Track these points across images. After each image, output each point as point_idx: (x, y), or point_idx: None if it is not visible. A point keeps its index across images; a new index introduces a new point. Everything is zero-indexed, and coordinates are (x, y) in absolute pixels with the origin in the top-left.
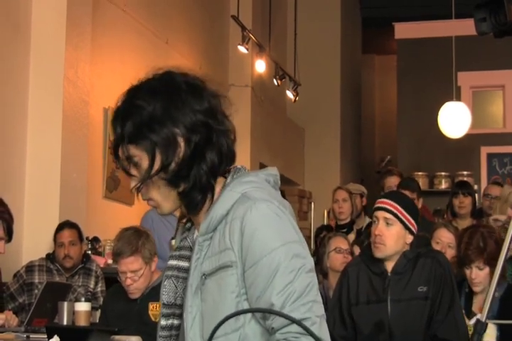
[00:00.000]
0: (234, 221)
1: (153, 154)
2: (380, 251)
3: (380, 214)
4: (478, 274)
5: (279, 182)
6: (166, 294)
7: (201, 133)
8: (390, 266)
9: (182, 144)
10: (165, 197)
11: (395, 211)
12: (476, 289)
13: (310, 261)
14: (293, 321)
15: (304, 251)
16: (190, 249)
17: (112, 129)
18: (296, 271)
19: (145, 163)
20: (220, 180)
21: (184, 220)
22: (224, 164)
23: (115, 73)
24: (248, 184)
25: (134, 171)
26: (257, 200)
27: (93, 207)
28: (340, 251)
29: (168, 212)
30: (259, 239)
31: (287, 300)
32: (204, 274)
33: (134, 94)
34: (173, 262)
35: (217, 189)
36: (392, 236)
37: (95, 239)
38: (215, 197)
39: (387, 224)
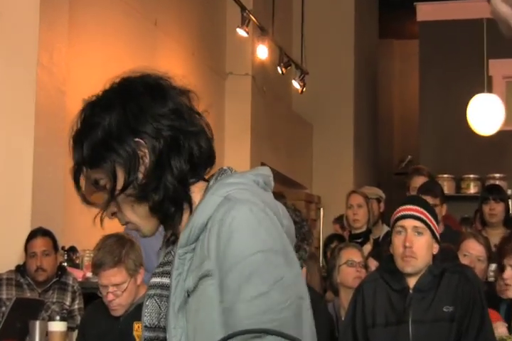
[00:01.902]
0: (213, 226)
1: (114, 174)
2: (411, 266)
3: (409, 222)
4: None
5: (272, 183)
6: (149, 315)
7: (165, 139)
8: (412, 281)
9: (147, 154)
10: (142, 217)
11: (425, 218)
12: (509, 294)
13: (291, 276)
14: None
15: (285, 263)
16: None
17: (72, 155)
18: (271, 283)
19: (109, 184)
20: (202, 185)
21: (169, 233)
22: (200, 167)
23: (96, 59)
24: (232, 186)
25: (104, 196)
26: (238, 201)
27: (70, 212)
28: (352, 265)
29: (150, 233)
30: (235, 244)
31: (252, 313)
32: (188, 291)
33: (89, 112)
34: (156, 279)
35: (199, 195)
36: (423, 247)
37: (72, 249)
38: (196, 204)
39: (418, 233)
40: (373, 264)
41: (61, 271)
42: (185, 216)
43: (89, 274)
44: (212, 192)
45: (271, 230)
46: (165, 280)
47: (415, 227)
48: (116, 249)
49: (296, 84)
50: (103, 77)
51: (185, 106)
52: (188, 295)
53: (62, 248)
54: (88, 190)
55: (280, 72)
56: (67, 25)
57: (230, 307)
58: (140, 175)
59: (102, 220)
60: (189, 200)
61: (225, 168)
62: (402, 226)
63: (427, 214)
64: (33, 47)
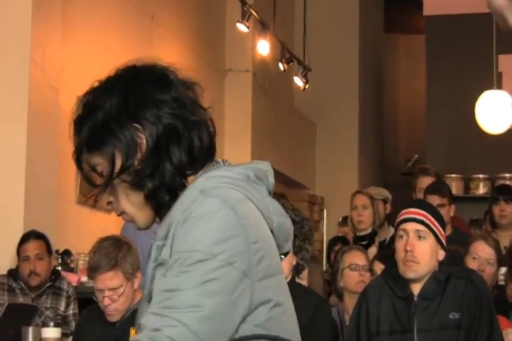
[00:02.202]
0: (178, 215)
1: (113, 158)
2: (413, 271)
3: (410, 226)
4: None
5: (270, 178)
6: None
7: (165, 126)
8: (416, 288)
9: (144, 140)
10: (137, 206)
11: (428, 222)
12: None
13: (244, 282)
14: None
15: (241, 268)
16: None
17: (73, 140)
18: (215, 280)
19: (106, 170)
20: (193, 179)
21: None
22: (199, 161)
23: (91, 55)
24: (215, 179)
25: (101, 182)
26: (209, 195)
27: (64, 215)
28: (355, 268)
29: (144, 224)
30: (189, 234)
31: (161, 301)
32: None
33: (91, 95)
34: None
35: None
36: (426, 252)
37: (66, 253)
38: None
39: (420, 237)
40: (379, 268)
41: (55, 275)
42: None
43: (84, 278)
44: (194, 186)
45: (235, 231)
46: None
47: (417, 231)
48: (113, 252)
49: (298, 81)
50: (98, 73)
51: (188, 97)
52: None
53: (56, 251)
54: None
55: (282, 68)
56: (61, 19)
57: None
58: (136, 162)
59: (96, 202)
60: (182, 189)
61: (218, 160)
62: (404, 230)
63: (431, 217)
64: (25, 43)
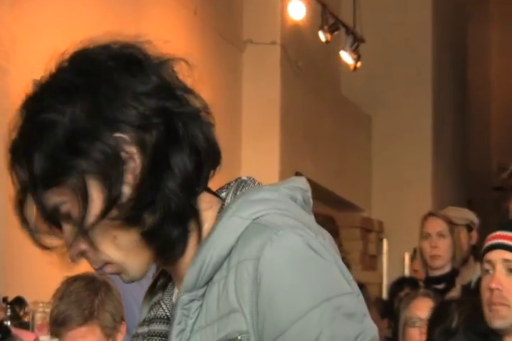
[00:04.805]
0: (242, 264)
1: (84, 192)
2: (501, 318)
3: (496, 254)
4: None
5: (311, 201)
6: None
7: (157, 128)
8: None
9: (135, 155)
10: (128, 251)
11: None
12: None
13: (370, 326)
14: None
15: (360, 308)
16: (167, 320)
17: (14, 176)
18: None
19: (76, 210)
20: (212, 199)
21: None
22: (205, 168)
23: (53, 24)
24: (262, 204)
25: (68, 229)
26: (281, 229)
27: (16, 248)
28: (415, 324)
29: (139, 275)
30: (285, 295)
31: None
32: None
33: (36, 106)
34: None
35: (209, 214)
36: None
37: (19, 301)
38: (206, 228)
39: (510, 270)
40: None
41: (3, 332)
42: (192, 243)
43: (44, 338)
44: (233, 213)
45: (331, 266)
46: None
47: (506, 261)
48: (87, 298)
49: (346, 57)
50: (61, 49)
51: (174, 81)
52: None
53: (4, 300)
54: (41, 226)
55: (323, 39)
56: None
57: None
58: (126, 188)
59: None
60: (197, 218)
61: (244, 178)
62: (489, 261)
63: None
64: None
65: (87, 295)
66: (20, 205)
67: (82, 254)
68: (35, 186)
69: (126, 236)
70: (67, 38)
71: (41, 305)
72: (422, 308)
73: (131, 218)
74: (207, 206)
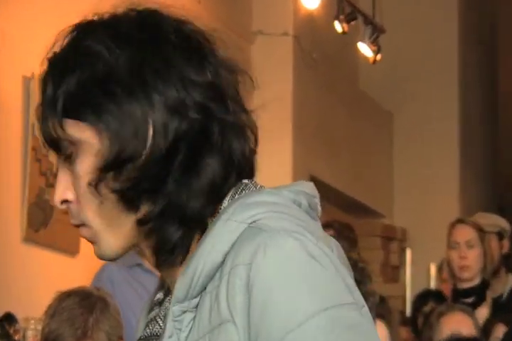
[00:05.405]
0: (234, 270)
1: (95, 139)
2: None
3: None
4: None
5: (319, 208)
6: None
7: (191, 123)
8: None
9: (151, 133)
10: (111, 223)
11: None
12: None
13: (374, 339)
14: None
15: (363, 320)
16: None
17: (41, 90)
18: None
19: (88, 156)
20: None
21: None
22: (230, 180)
23: (44, 19)
24: (259, 207)
25: (64, 171)
26: (276, 232)
27: (5, 259)
28: None
29: (110, 252)
30: (278, 305)
31: None
32: None
33: (87, 33)
34: None
35: (210, 221)
36: None
37: (8, 318)
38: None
39: None
40: (501, 331)
41: None
42: (193, 249)
43: None
44: (228, 217)
45: (331, 273)
46: None
47: None
48: (80, 316)
49: (365, 49)
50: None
51: (231, 87)
52: None
53: None
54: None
55: (339, 29)
56: None
57: None
58: (134, 162)
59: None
60: (204, 227)
61: (245, 181)
62: None
63: None
64: None
65: (80, 312)
66: (41, 122)
67: (66, 203)
68: (54, 105)
69: (114, 209)
70: (58, 31)
71: (32, 321)
72: (463, 324)
73: (126, 197)
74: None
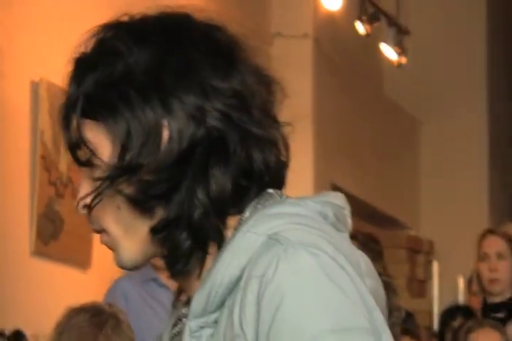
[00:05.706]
0: (249, 284)
1: (125, 138)
2: None
3: None
4: None
5: (349, 220)
6: None
7: (209, 131)
8: None
9: (166, 139)
10: (127, 229)
11: None
12: None
13: None
14: None
15: None
16: None
17: (66, 85)
18: None
19: (103, 159)
20: (235, 217)
21: (181, 297)
22: (252, 190)
23: (52, 24)
24: (280, 218)
25: (87, 172)
26: (292, 245)
27: (14, 273)
28: None
29: (128, 258)
30: (284, 323)
31: None
32: None
33: (112, 33)
34: None
35: (229, 233)
36: None
37: (17, 335)
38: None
39: None
40: None
41: None
42: (210, 261)
43: None
44: (248, 229)
45: (349, 293)
46: None
47: None
48: (90, 333)
49: (389, 52)
50: (63, 50)
51: (259, 97)
52: None
53: (1, 334)
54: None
55: (362, 31)
56: None
57: None
58: (151, 162)
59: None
60: (220, 239)
61: (270, 191)
62: None
63: None
64: None
65: (90, 330)
66: (61, 118)
67: (87, 209)
68: (75, 105)
69: (130, 215)
70: (69, 37)
71: (42, 338)
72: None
73: (139, 201)
74: (232, 225)
